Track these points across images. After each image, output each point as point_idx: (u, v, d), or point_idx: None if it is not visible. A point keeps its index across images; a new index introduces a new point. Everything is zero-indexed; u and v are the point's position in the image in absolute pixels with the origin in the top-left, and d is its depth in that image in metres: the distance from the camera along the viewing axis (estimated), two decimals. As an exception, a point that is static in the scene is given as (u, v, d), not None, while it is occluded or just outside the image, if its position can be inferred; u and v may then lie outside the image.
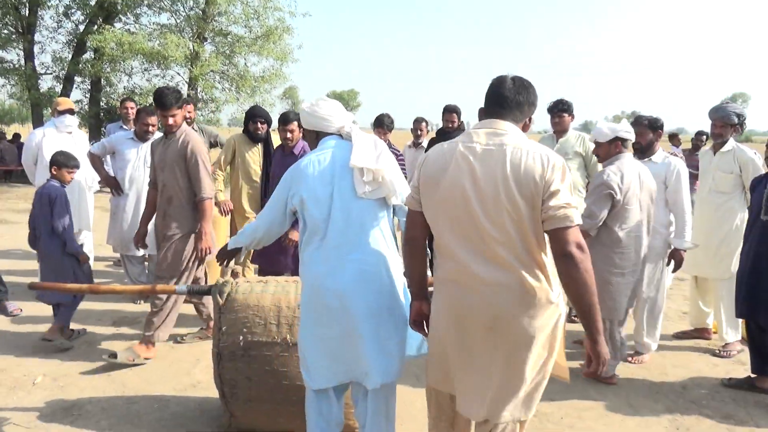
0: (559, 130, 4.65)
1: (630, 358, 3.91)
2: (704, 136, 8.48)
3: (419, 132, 5.81)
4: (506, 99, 1.99)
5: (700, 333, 4.38)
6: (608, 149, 3.53)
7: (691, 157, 7.91)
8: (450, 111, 5.28)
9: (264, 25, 15.50)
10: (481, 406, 1.98)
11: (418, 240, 2.17)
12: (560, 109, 4.61)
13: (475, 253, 1.92)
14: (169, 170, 3.71)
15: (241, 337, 2.72)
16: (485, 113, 2.06)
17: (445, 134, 5.23)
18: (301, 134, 4.13)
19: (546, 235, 1.88)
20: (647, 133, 3.89)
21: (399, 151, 5.49)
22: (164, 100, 3.63)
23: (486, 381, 1.97)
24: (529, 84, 2.04)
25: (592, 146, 4.57)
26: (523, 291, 1.88)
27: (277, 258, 4.08)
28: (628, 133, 3.53)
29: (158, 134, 4.85)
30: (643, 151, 3.91)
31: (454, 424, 2.17)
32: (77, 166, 4.06)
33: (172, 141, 3.74)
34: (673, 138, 9.72)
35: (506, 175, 1.85)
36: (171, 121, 3.67)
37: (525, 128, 2.04)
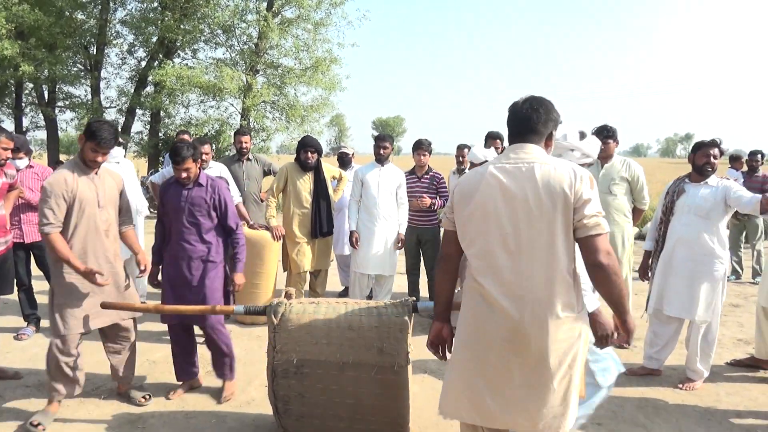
0: (604, 156, 4.67)
1: (681, 385, 3.86)
2: (759, 155, 8.22)
3: (461, 158, 5.92)
4: (522, 122, 2.12)
5: (759, 362, 4.24)
6: None
7: (750, 179, 7.69)
8: (493, 138, 5.36)
9: (313, 57, 16.06)
10: (506, 412, 2.05)
11: (452, 257, 2.26)
12: (605, 136, 4.63)
13: (505, 264, 2.02)
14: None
15: (294, 355, 2.87)
16: (510, 139, 2.18)
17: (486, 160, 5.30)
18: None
19: (576, 243, 2.00)
20: (715, 155, 3.83)
21: (440, 175, 5.59)
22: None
23: (507, 388, 2.05)
24: (542, 102, 2.14)
25: (639, 171, 4.64)
26: (552, 300, 1.98)
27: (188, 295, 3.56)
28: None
29: (215, 165, 5.14)
30: (703, 173, 3.85)
31: None
32: None
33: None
34: (735, 161, 9.40)
35: (537, 188, 1.98)
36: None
37: (548, 143, 2.16)
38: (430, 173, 5.60)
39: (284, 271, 5.36)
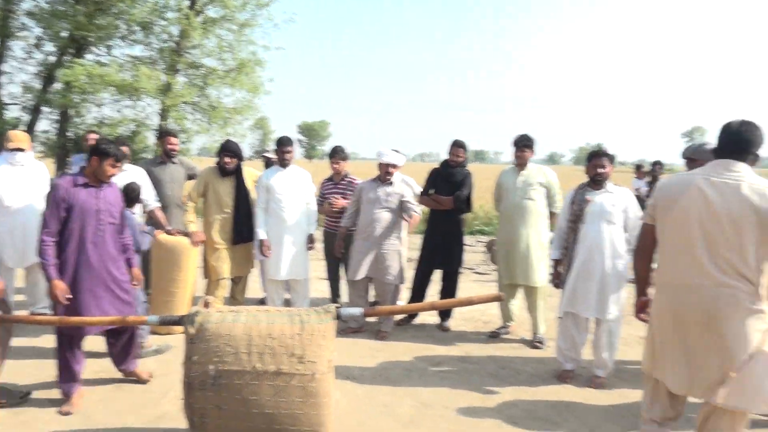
0: (521, 163, 4.90)
1: (591, 383, 4.06)
2: (658, 166, 8.85)
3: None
4: (737, 141, 2.47)
5: None
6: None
7: (652, 188, 8.23)
8: (458, 146, 5.40)
9: (237, 58, 15.65)
10: (690, 384, 2.46)
11: (648, 248, 2.74)
12: (524, 145, 4.87)
13: (701, 262, 2.40)
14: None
15: (212, 366, 2.76)
16: (720, 154, 2.51)
17: (448, 167, 5.35)
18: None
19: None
20: (609, 166, 4.10)
21: (358, 181, 5.59)
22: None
23: (696, 363, 2.43)
24: (756, 127, 2.49)
25: (554, 177, 4.90)
26: (738, 296, 2.35)
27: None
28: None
29: (130, 168, 4.90)
30: (597, 182, 4.10)
31: (668, 406, 2.64)
32: None
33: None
34: (638, 170, 10.07)
35: (742, 204, 2.33)
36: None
37: (752, 163, 2.50)
38: (347, 179, 5.61)
39: (205, 278, 5.18)
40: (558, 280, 4.29)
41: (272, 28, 17.81)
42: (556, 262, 4.31)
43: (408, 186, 5.29)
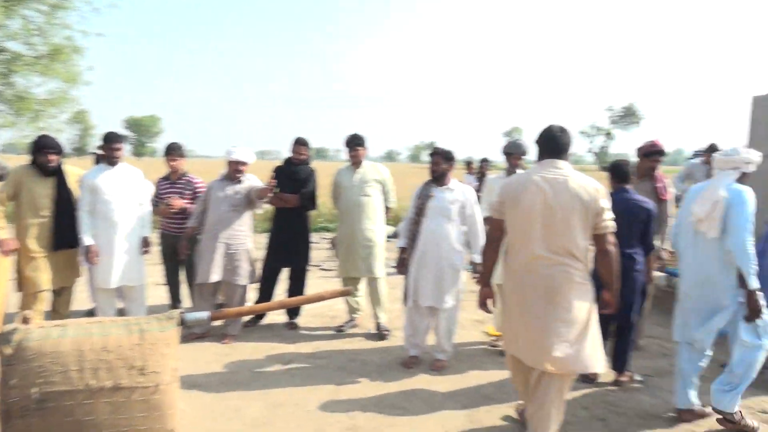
0: (356, 161, 5.08)
1: (432, 367, 4.33)
2: (485, 163, 9.67)
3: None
4: (558, 144, 2.94)
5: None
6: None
7: (481, 183, 8.96)
8: (301, 143, 5.31)
9: (49, 43, 13.99)
10: (538, 357, 2.83)
11: (497, 239, 3.11)
12: (356, 144, 5.06)
13: (542, 246, 2.82)
14: None
15: (35, 390, 2.47)
16: (544, 154, 2.95)
17: (291, 164, 5.28)
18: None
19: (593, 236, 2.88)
20: (445, 163, 4.36)
21: (196, 179, 5.36)
22: None
23: (541, 335, 2.81)
24: (569, 132, 2.98)
25: (388, 174, 5.15)
26: (571, 273, 2.80)
27: None
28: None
29: None
30: (437, 179, 4.37)
31: (526, 378, 3.03)
32: None
33: None
34: (468, 166, 10.89)
35: (571, 196, 2.79)
36: None
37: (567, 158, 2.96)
38: (185, 178, 5.33)
39: (18, 291, 4.57)
40: (403, 267, 4.49)
41: (91, 13, 16.13)
42: (402, 251, 4.51)
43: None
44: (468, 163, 11.12)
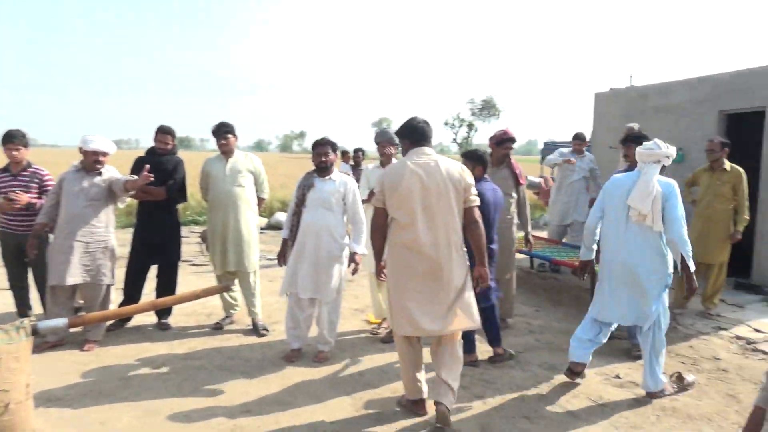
0: (227, 150, 4.85)
1: (315, 359, 4.28)
2: (361, 152, 9.73)
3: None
4: (423, 133, 3.31)
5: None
6: None
7: (355, 170, 9.00)
8: (164, 132, 4.90)
9: None
10: (432, 323, 3.16)
11: (382, 226, 3.30)
12: (225, 132, 4.82)
13: (424, 225, 3.12)
14: None
15: None
16: (413, 143, 3.31)
17: (155, 155, 4.91)
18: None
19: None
20: (332, 154, 4.25)
21: (43, 170, 4.82)
22: None
23: (431, 305, 3.16)
24: (428, 121, 3.36)
25: (260, 164, 5.03)
26: (450, 246, 3.16)
27: None
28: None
29: None
30: (323, 170, 4.24)
31: (417, 358, 3.39)
32: None
33: None
34: (344, 155, 10.83)
35: (444, 177, 3.15)
36: None
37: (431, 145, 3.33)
38: (30, 169, 4.75)
39: None
40: (284, 259, 4.38)
41: None
42: (284, 242, 4.39)
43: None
44: (344, 153, 11.14)
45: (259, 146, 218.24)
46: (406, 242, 3.18)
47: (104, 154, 4.50)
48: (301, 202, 4.25)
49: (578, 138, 7.14)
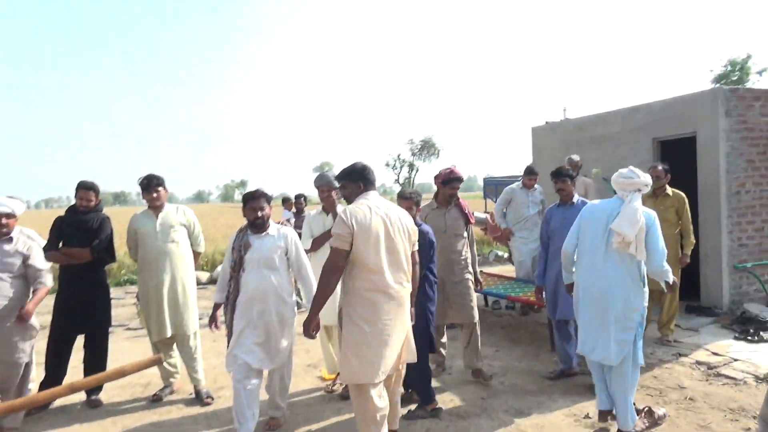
0: (156, 205, 4.51)
1: (268, 427, 3.89)
2: (303, 198, 9.48)
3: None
4: (372, 177, 3.36)
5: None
6: None
7: (297, 218, 8.72)
8: (85, 188, 4.51)
9: None
10: (396, 361, 3.25)
11: (341, 269, 3.15)
12: (156, 184, 4.49)
13: (390, 266, 3.17)
14: None
15: None
16: (365, 187, 3.32)
17: (77, 213, 4.51)
18: None
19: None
20: (265, 207, 3.89)
21: None
22: None
23: (398, 345, 3.24)
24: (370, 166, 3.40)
25: (194, 217, 4.73)
26: (407, 290, 3.27)
27: None
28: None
29: None
30: (258, 226, 3.83)
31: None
32: None
33: None
34: (286, 202, 10.51)
35: (400, 222, 3.27)
36: None
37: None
38: None
39: None
40: (215, 323, 3.91)
41: None
42: (216, 306, 3.94)
43: (31, 240, 4.25)
44: (285, 200, 10.85)
45: (200, 197, 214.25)
46: (376, 286, 3.13)
47: (8, 216, 4.04)
48: (238, 264, 3.75)
49: (531, 173, 7.01)
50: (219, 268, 11.57)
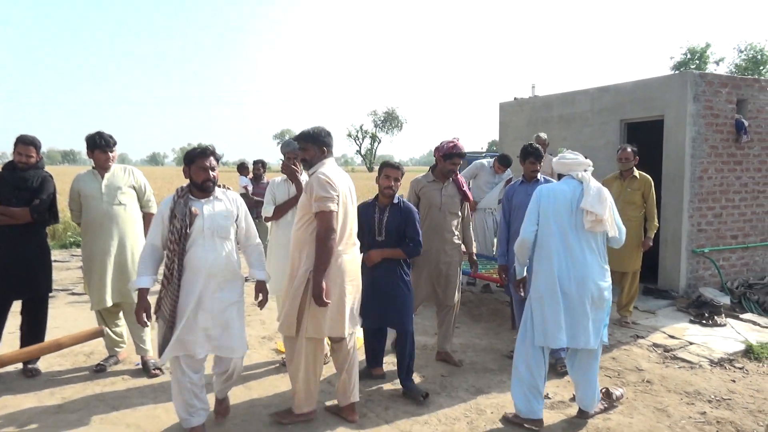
0: (103, 166, 4.20)
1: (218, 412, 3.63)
2: (261, 164, 9.13)
3: None
4: (333, 144, 3.43)
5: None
6: None
7: (257, 185, 8.44)
8: (25, 143, 4.15)
9: None
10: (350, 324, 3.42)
11: (336, 231, 3.22)
12: (103, 145, 4.14)
13: (351, 235, 3.39)
14: None
15: None
16: (329, 152, 3.38)
17: (16, 170, 4.14)
18: None
19: None
20: (215, 165, 3.63)
21: None
22: None
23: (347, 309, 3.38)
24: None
25: (143, 178, 4.42)
26: (358, 256, 3.54)
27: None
28: None
29: None
30: (207, 189, 3.36)
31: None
32: None
33: None
34: (243, 169, 10.09)
35: (353, 193, 3.47)
36: None
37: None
38: None
39: None
40: (146, 314, 3.19)
41: None
42: (144, 293, 3.20)
43: None
44: (242, 166, 10.44)
45: (155, 159, 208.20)
46: (346, 248, 3.33)
47: None
48: (183, 236, 3.12)
49: (506, 162, 6.86)
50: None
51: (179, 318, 3.11)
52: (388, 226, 3.85)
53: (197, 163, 3.21)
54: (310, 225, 3.25)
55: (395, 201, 3.89)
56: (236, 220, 3.35)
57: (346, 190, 3.32)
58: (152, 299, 3.18)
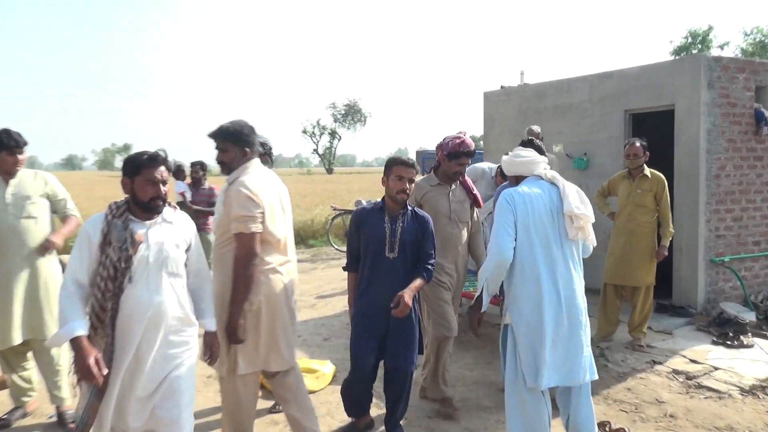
0: (8, 171, 3.90)
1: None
2: (199, 166, 8.85)
3: None
4: (257, 143, 3.36)
5: None
6: None
7: (197, 191, 8.20)
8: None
9: None
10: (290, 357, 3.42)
11: (257, 257, 3.15)
12: (13, 146, 3.86)
13: (286, 250, 3.36)
14: None
15: None
16: (252, 153, 3.29)
17: None
18: None
19: None
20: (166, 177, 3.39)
21: None
22: None
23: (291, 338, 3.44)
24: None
25: (58, 184, 4.16)
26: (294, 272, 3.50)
27: None
28: None
29: None
30: (154, 209, 3.27)
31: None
32: None
33: None
34: (179, 172, 9.64)
35: (284, 192, 3.46)
36: None
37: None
38: None
39: None
40: (89, 373, 2.59)
41: None
42: (80, 342, 2.61)
43: None
44: (178, 169, 10.04)
45: (71, 163, 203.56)
46: (279, 270, 3.28)
47: None
48: (122, 269, 2.67)
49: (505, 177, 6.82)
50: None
51: (113, 378, 2.67)
52: (403, 239, 3.54)
53: (144, 175, 2.74)
54: (233, 245, 3.13)
55: (408, 208, 3.63)
56: (187, 249, 2.95)
57: (274, 200, 3.26)
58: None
